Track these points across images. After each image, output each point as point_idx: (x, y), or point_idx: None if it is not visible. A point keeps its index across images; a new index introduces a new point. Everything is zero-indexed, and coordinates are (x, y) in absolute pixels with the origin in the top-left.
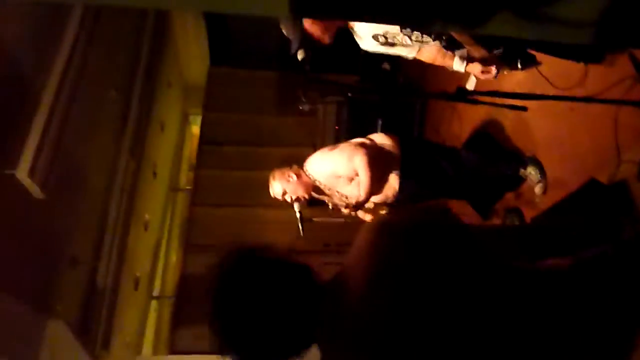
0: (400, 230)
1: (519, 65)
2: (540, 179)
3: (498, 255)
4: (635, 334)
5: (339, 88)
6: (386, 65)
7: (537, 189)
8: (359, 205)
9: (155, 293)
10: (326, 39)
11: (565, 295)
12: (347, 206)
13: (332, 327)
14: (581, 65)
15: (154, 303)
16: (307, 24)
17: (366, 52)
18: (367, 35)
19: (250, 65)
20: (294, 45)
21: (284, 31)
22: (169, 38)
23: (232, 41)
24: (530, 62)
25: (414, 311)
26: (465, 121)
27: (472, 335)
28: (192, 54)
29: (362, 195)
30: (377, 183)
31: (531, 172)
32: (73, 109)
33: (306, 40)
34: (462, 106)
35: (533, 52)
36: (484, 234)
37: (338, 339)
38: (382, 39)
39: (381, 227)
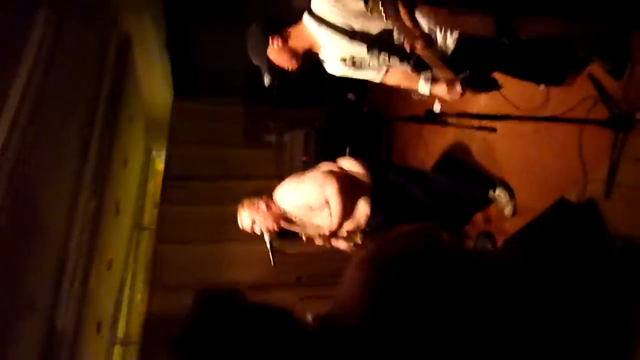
0: (390, 262)
1: (483, 88)
2: (509, 200)
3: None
4: None
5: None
6: (351, 96)
7: (507, 211)
8: (332, 234)
9: (120, 337)
10: (294, 65)
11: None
12: (320, 236)
13: None
14: (542, 88)
15: (117, 348)
16: (273, 54)
17: (331, 83)
18: (334, 58)
19: (215, 97)
20: (266, 77)
21: (253, 60)
22: (131, 71)
23: (196, 73)
24: (492, 85)
25: (416, 342)
26: (431, 147)
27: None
28: (155, 87)
29: (334, 224)
30: (348, 209)
31: (500, 194)
32: (27, 144)
33: (273, 68)
34: (428, 132)
35: (495, 76)
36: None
37: None
38: (349, 62)
39: (368, 262)
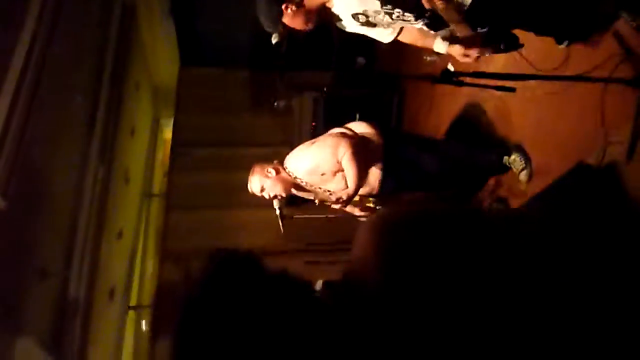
0: (404, 223)
1: (502, 47)
2: (524, 166)
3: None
4: None
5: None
6: (361, 60)
7: (522, 176)
8: (349, 199)
9: (133, 303)
10: (311, 26)
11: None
12: (337, 201)
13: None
14: (563, 47)
15: (131, 314)
16: (288, 19)
17: (340, 46)
18: (346, 14)
19: (222, 64)
20: (274, 36)
21: (263, 24)
22: (135, 39)
23: (202, 40)
24: (513, 44)
25: (433, 304)
26: (444, 112)
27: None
28: (160, 55)
29: (351, 188)
30: (363, 173)
31: (515, 159)
32: (33, 114)
33: (288, 33)
34: (440, 97)
35: (516, 33)
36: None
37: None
38: (362, 18)
39: (382, 224)
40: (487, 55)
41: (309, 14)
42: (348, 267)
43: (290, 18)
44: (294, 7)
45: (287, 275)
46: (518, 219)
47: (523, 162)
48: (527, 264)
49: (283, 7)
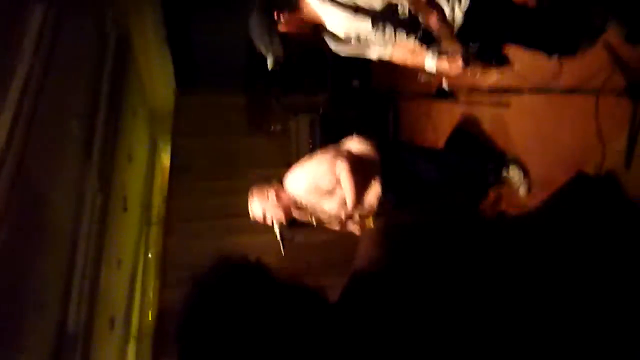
0: (404, 233)
1: (493, 62)
2: (522, 178)
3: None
4: None
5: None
6: (356, 82)
7: (521, 191)
8: (348, 216)
9: (133, 332)
10: (308, 32)
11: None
12: (336, 219)
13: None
14: (554, 59)
15: (132, 343)
16: (283, 26)
17: (335, 70)
18: (339, 34)
19: (218, 89)
20: (270, 60)
21: (259, 46)
22: (131, 65)
23: (198, 66)
24: (503, 60)
25: (436, 312)
26: (440, 128)
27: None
28: (157, 81)
29: (349, 204)
30: (361, 190)
31: (513, 173)
32: (30, 143)
33: (284, 42)
34: (436, 113)
35: (507, 48)
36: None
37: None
38: (354, 41)
39: (383, 233)
40: (478, 73)
41: (303, 21)
42: (351, 275)
43: (286, 24)
44: (286, 15)
45: (288, 281)
46: (516, 225)
47: (521, 175)
48: (525, 270)
49: (275, 16)
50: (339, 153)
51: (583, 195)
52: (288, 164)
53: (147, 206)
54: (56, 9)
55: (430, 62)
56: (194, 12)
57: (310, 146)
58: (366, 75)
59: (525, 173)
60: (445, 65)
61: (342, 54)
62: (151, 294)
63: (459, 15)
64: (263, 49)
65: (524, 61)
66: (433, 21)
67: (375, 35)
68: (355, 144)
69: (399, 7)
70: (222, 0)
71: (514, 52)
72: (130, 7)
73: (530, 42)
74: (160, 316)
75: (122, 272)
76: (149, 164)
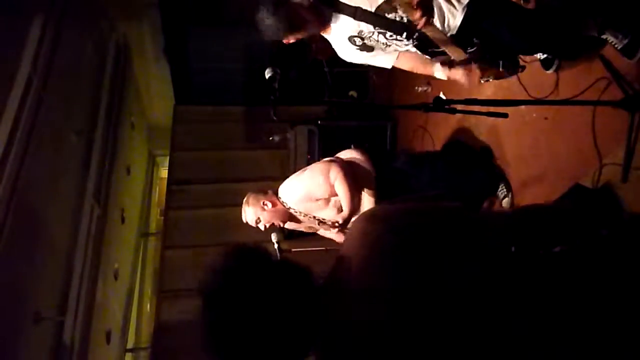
0: (393, 215)
1: (502, 69)
2: (506, 193)
3: (492, 238)
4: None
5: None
6: (353, 93)
7: (504, 204)
8: (346, 222)
9: (130, 345)
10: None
11: (568, 278)
12: (333, 225)
13: (331, 326)
14: (551, 72)
15: (128, 356)
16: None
17: (333, 81)
18: (343, 39)
19: (216, 101)
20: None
21: (269, 29)
22: (130, 78)
23: (196, 78)
24: (514, 66)
25: (411, 298)
26: (437, 139)
27: (469, 321)
28: (155, 94)
29: (346, 210)
30: (355, 198)
31: (503, 189)
32: (29, 156)
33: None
34: (432, 125)
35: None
36: (477, 218)
37: (338, 338)
38: (358, 41)
39: (373, 214)
40: (490, 80)
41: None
42: (339, 254)
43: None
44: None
45: (294, 266)
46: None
47: (504, 190)
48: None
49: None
50: (333, 162)
51: (580, 207)
52: (286, 175)
53: (145, 218)
54: (55, 22)
55: (439, 72)
56: (192, 26)
57: (308, 157)
58: (364, 86)
59: (509, 188)
60: (457, 73)
61: (348, 60)
62: (148, 307)
63: (458, 15)
64: (274, 31)
65: (522, 74)
66: (420, 21)
67: (377, 36)
68: (347, 154)
69: (386, 13)
70: (221, 15)
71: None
72: (128, 21)
73: (530, 45)
74: (158, 329)
75: (119, 284)
76: (147, 176)
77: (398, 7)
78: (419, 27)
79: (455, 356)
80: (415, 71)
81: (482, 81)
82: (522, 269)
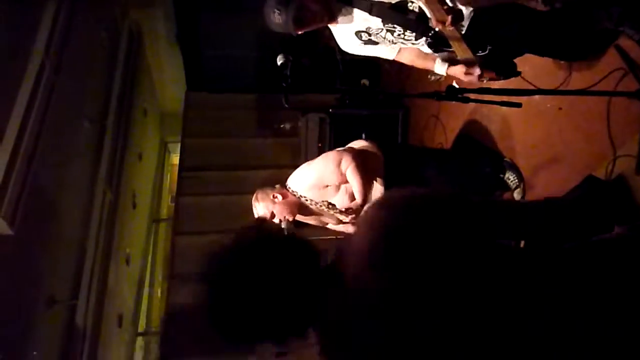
0: (402, 201)
1: (500, 73)
2: (517, 184)
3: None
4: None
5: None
6: (365, 82)
7: (516, 194)
8: (358, 211)
9: (141, 329)
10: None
11: (584, 275)
12: (346, 212)
13: (330, 309)
14: (564, 64)
15: (139, 340)
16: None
17: (344, 70)
18: (349, 33)
19: (228, 88)
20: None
21: (277, 20)
22: (142, 64)
23: (208, 65)
24: (511, 71)
25: (413, 284)
26: (448, 129)
27: (471, 312)
28: (167, 80)
29: (359, 198)
30: (366, 187)
31: (509, 177)
32: (41, 141)
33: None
34: (445, 114)
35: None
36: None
37: (336, 322)
38: (365, 36)
39: (379, 201)
40: (485, 81)
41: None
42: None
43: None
44: None
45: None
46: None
47: (516, 180)
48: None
49: None
50: (345, 150)
51: (592, 200)
52: (297, 164)
53: (156, 204)
54: (68, 6)
55: (439, 67)
56: (205, 13)
57: (319, 145)
58: (375, 74)
59: (521, 178)
60: (457, 70)
61: (350, 51)
62: (159, 291)
63: (465, 17)
64: (284, 21)
65: (533, 64)
66: (447, 23)
67: (385, 34)
68: (358, 144)
69: (409, 5)
70: (234, 1)
71: (524, 58)
72: (141, 6)
73: (541, 49)
74: (169, 314)
75: (131, 269)
76: (159, 162)
77: (424, 4)
78: (447, 25)
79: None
80: (414, 65)
81: (481, 80)
82: (532, 266)
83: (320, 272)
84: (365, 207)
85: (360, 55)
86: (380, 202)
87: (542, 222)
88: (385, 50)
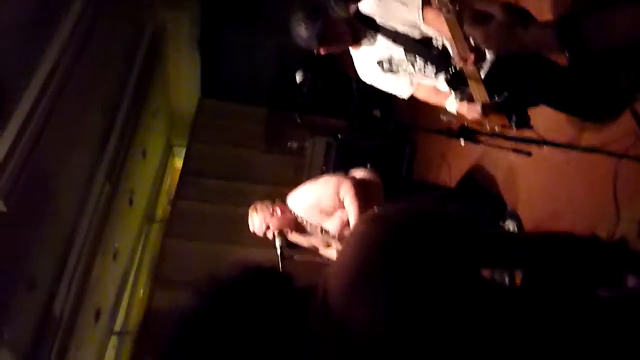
0: (393, 218)
1: (513, 122)
2: (514, 230)
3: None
4: None
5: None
6: (377, 112)
7: None
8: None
9: (117, 328)
10: (349, 36)
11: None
12: (338, 238)
13: (321, 331)
14: (577, 120)
15: (114, 338)
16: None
17: (359, 98)
18: (371, 60)
19: (241, 99)
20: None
21: (301, 35)
22: (160, 65)
23: (225, 75)
24: (524, 122)
25: (403, 302)
26: (454, 168)
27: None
28: (182, 84)
29: (353, 225)
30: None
31: (508, 226)
32: (50, 124)
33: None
34: (452, 154)
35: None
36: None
37: (327, 343)
38: (386, 65)
39: (373, 217)
40: (496, 129)
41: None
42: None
43: (334, 24)
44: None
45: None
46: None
47: (515, 230)
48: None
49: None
50: (346, 179)
51: (591, 257)
52: (298, 183)
53: (152, 204)
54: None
55: (452, 103)
56: (230, 24)
57: (323, 168)
58: (388, 107)
59: (521, 229)
60: (464, 108)
61: (368, 81)
62: (141, 292)
63: (487, 61)
64: (308, 37)
65: (546, 117)
66: (469, 62)
67: (406, 66)
68: (362, 173)
69: (433, 41)
70: (259, 17)
71: (539, 109)
72: (169, 8)
73: (557, 102)
74: (149, 315)
75: (117, 265)
76: (161, 163)
77: (448, 41)
78: (468, 63)
79: None
80: (428, 101)
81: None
82: (526, 310)
83: (301, 299)
84: (353, 225)
85: (376, 88)
86: (371, 218)
87: (536, 255)
88: (404, 84)
